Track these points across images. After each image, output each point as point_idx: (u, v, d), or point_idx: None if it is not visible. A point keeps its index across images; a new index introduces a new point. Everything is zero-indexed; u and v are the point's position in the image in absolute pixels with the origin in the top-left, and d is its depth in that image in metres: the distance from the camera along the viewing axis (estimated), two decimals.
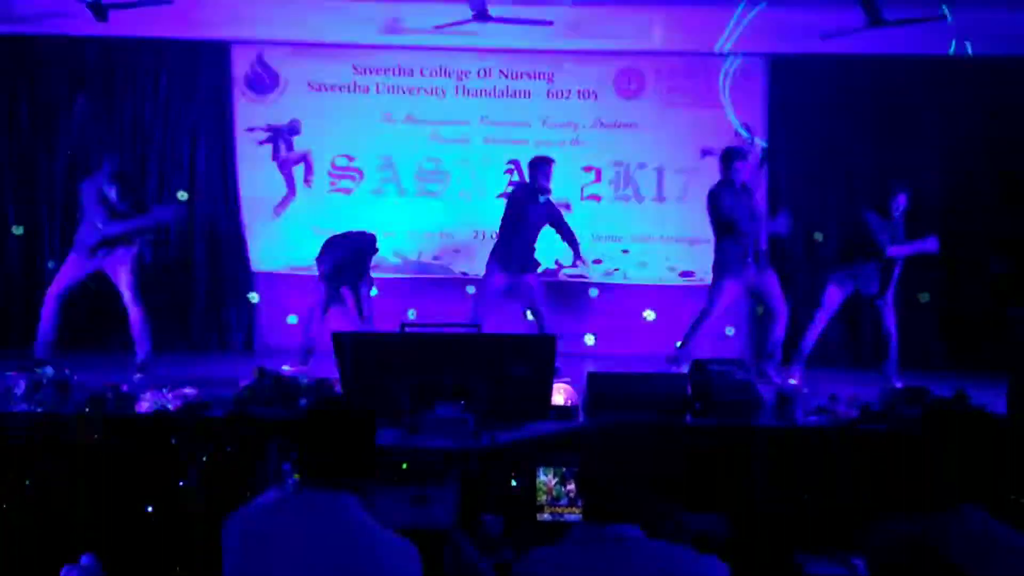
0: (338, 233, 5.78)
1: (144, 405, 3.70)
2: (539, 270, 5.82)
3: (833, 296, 5.42)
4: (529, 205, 5.61)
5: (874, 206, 5.39)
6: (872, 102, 6.48)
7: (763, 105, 6.65)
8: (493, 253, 5.71)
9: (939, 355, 6.29)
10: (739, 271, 5.32)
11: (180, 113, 6.63)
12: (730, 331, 6.62)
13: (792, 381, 5.18)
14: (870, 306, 5.47)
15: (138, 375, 4.97)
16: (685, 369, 5.31)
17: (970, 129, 6.34)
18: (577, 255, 5.80)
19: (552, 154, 6.57)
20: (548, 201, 5.70)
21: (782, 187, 6.63)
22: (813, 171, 6.56)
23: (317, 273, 5.65)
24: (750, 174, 5.58)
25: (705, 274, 5.74)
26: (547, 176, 5.59)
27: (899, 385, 5.09)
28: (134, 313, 5.25)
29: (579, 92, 6.71)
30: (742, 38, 6.32)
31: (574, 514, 3.05)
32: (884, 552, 1.89)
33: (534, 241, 5.69)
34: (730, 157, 5.37)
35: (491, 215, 6.50)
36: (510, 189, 6.18)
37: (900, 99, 6.46)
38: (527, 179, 5.75)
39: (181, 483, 3.39)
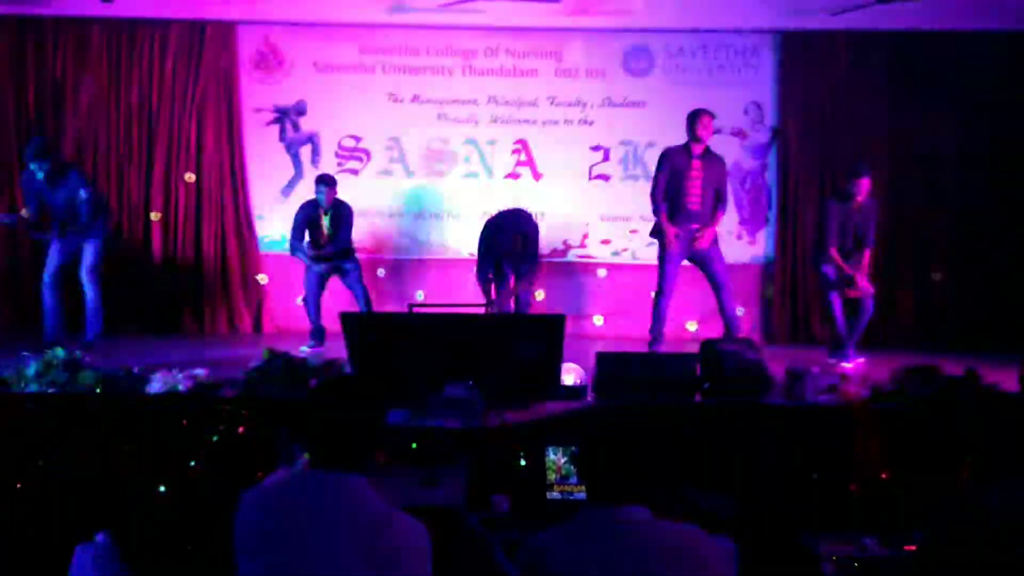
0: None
1: (155, 386, 3.73)
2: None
3: (829, 275, 5.50)
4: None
5: (836, 191, 5.51)
6: (885, 79, 6.39)
7: (773, 83, 6.58)
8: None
9: (950, 333, 6.25)
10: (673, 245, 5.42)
11: (186, 94, 6.60)
12: (740, 311, 6.58)
13: (847, 365, 5.21)
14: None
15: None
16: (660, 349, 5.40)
17: (986, 105, 6.24)
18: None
19: (560, 133, 6.58)
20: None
21: (792, 166, 6.58)
22: (824, 150, 6.49)
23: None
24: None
25: None
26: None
27: (853, 362, 5.17)
28: (91, 293, 5.41)
29: (587, 71, 6.64)
30: (752, 14, 6.24)
31: (583, 493, 3.05)
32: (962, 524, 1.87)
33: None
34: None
35: (499, 195, 6.50)
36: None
37: (913, 75, 6.36)
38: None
39: (192, 463, 3.42)
